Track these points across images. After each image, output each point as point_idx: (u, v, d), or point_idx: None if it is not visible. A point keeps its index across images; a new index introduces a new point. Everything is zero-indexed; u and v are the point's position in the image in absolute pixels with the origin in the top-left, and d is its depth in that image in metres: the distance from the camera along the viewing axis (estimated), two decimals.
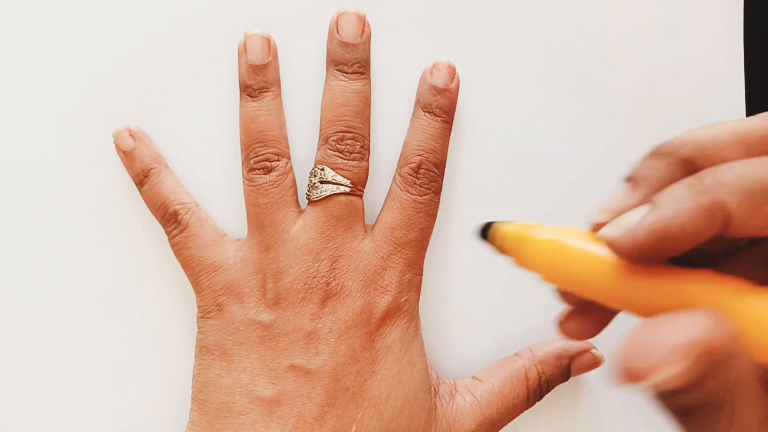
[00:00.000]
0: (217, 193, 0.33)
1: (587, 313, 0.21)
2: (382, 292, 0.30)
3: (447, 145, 0.32)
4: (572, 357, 0.32)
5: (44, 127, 0.33)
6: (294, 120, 0.32)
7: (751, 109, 0.33)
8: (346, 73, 0.31)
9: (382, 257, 0.30)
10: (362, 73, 0.32)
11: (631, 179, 0.20)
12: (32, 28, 0.33)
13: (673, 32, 0.33)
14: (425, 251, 0.32)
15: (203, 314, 0.30)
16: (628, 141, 0.33)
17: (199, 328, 0.31)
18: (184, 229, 0.31)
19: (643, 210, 0.18)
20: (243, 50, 0.32)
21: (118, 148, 0.32)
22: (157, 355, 0.33)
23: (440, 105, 0.32)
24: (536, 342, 0.33)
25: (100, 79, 0.33)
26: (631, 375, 0.16)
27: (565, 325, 0.21)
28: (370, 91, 0.32)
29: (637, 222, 0.18)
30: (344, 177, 0.31)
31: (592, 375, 0.33)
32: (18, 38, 0.33)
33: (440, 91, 0.32)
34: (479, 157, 0.33)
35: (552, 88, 0.33)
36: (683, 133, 0.19)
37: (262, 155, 0.31)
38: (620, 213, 0.19)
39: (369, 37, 0.32)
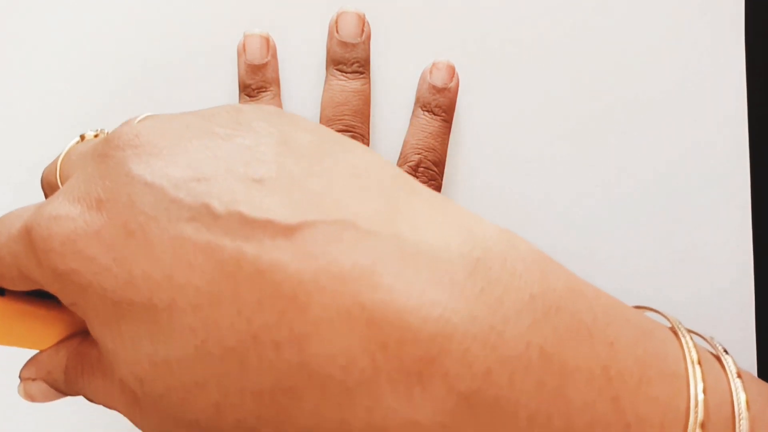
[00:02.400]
0: None
1: None
2: None
3: (446, 144, 0.32)
4: None
5: (43, 127, 0.33)
6: None
7: (753, 108, 0.33)
8: (346, 72, 0.31)
9: None
10: (362, 73, 0.32)
11: None
12: (32, 29, 0.33)
13: (673, 32, 0.33)
14: None
15: None
16: (628, 140, 0.33)
17: None
18: None
19: None
20: (242, 50, 0.32)
21: None
22: None
23: (439, 104, 0.32)
24: None
25: (100, 79, 0.33)
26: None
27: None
28: (369, 90, 0.32)
29: None
30: None
31: None
32: (18, 39, 0.33)
33: (439, 90, 0.32)
34: (479, 156, 0.33)
35: (551, 87, 0.33)
36: None
37: None
38: None
39: (369, 37, 0.32)
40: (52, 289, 0.18)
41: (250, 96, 0.31)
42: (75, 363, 0.21)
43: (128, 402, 0.19)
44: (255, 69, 0.31)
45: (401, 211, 0.17)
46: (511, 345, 0.15)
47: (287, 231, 0.16)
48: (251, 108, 0.19)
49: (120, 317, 0.17)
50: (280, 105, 0.32)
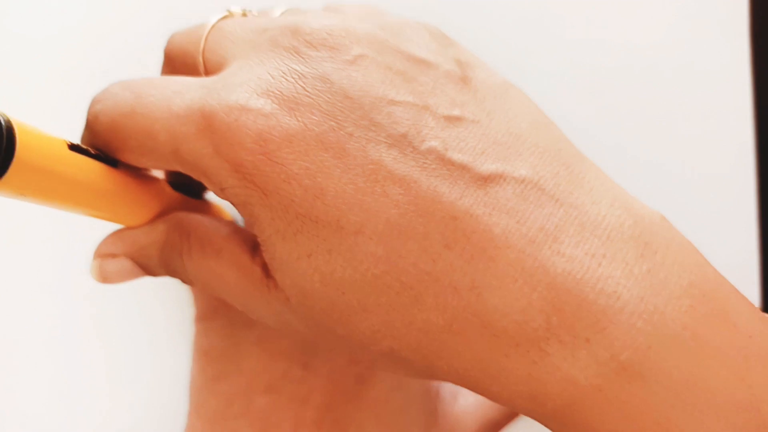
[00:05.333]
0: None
1: None
2: None
3: None
4: None
5: (42, 127, 0.33)
6: None
7: (760, 109, 0.33)
8: None
9: None
10: None
11: None
12: (32, 29, 0.33)
13: (677, 31, 0.33)
14: None
15: (199, 316, 0.30)
16: (633, 140, 0.33)
17: (195, 330, 0.30)
18: None
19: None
20: None
21: None
22: (153, 357, 0.32)
23: None
24: None
25: (98, 79, 0.32)
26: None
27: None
28: None
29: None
30: None
31: None
32: (18, 38, 0.33)
33: None
34: None
35: (553, 88, 0.33)
36: None
37: None
38: None
39: None
40: (223, 181, 0.17)
41: None
42: (178, 240, 0.21)
43: (257, 290, 0.19)
44: None
45: (578, 180, 0.18)
46: (670, 326, 0.16)
47: (481, 180, 0.17)
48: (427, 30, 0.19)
49: (300, 229, 0.17)
50: None
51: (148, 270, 0.22)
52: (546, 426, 0.19)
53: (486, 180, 0.17)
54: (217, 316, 0.30)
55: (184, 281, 0.22)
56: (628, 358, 0.16)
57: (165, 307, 0.32)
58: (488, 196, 0.17)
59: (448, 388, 0.30)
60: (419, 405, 0.29)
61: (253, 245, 0.20)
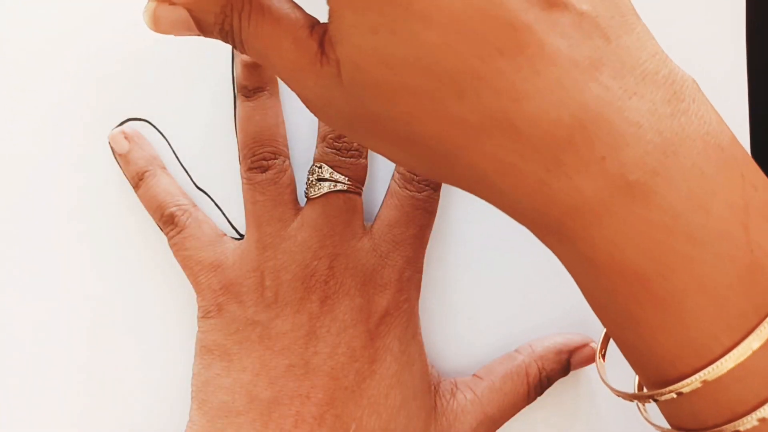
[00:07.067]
0: (216, 193, 0.33)
1: None
2: (381, 291, 0.30)
3: None
4: (572, 351, 0.32)
5: (42, 128, 0.33)
6: (294, 118, 0.32)
7: (754, 109, 0.33)
8: None
9: (380, 255, 0.30)
10: None
11: None
12: (30, 28, 0.33)
13: (673, 32, 0.33)
14: (425, 249, 0.32)
15: (203, 314, 0.30)
16: None
17: (199, 327, 0.31)
18: (182, 230, 0.31)
19: None
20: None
21: (113, 150, 0.32)
22: (157, 354, 0.33)
23: None
24: (536, 338, 0.32)
25: (98, 79, 0.32)
26: None
27: None
28: None
29: None
30: (342, 174, 0.30)
31: (591, 368, 0.33)
32: (16, 38, 0.33)
33: None
34: None
35: None
36: None
37: (258, 154, 0.31)
38: None
39: None
40: None
41: (246, 96, 0.31)
42: (240, 3, 0.21)
43: (309, 64, 0.21)
44: (251, 69, 0.31)
45: (629, 28, 0.19)
46: (681, 160, 0.18)
47: (547, 4, 0.18)
48: None
49: (371, 5, 0.18)
50: (277, 104, 0.32)
51: (202, 27, 0.22)
52: (545, 241, 0.20)
53: (552, 5, 0.18)
54: (220, 314, 0.30)
55: (236, 46, 0.22)
56: (636, 179, 0.18)
57: (168, 305, 0.33)
58: (550, 18, 0.18)
59: (447, 386, 0.31)
60: (419, 401, 0.30)
61: (312, 24, 0.21)
